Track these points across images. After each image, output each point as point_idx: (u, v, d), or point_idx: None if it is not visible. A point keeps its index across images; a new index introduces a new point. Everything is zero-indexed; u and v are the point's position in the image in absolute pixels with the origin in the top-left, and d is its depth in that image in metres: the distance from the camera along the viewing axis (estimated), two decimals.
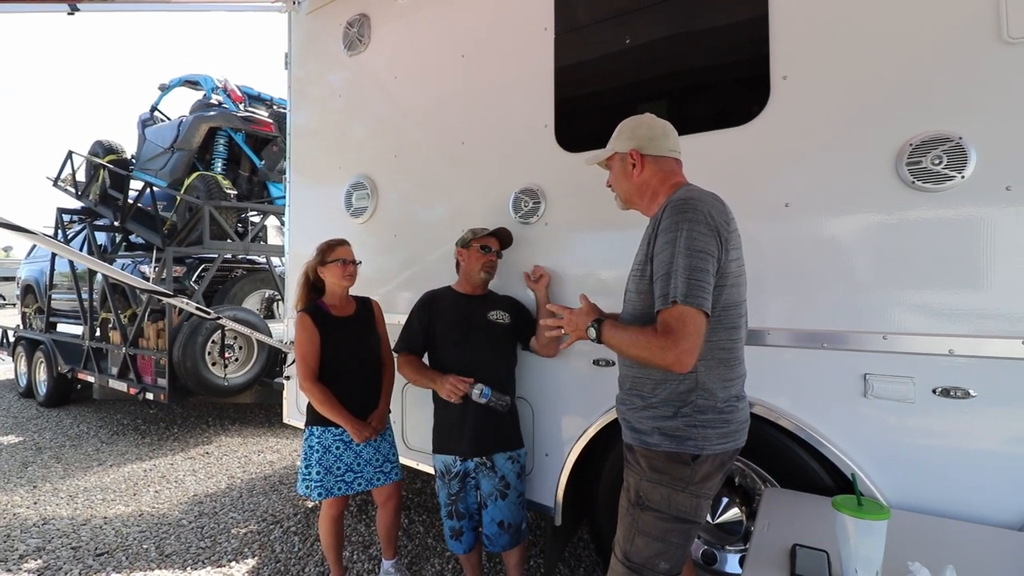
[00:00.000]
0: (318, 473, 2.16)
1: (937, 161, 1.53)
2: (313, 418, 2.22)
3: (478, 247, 2.16)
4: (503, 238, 2.23)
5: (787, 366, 1.74)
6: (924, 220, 1.55)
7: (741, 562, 2.04)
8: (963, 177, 1.50)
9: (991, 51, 1.48)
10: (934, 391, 1.53)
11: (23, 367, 6.77)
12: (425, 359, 2.24)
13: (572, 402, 2.20)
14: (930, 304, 1.55)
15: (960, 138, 1.50)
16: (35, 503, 3.49)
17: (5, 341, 7.45)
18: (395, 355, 2.28)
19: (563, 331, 1.51)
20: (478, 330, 2.13)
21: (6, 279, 22.02)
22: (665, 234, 1.26)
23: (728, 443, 1.31)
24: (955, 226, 1.52)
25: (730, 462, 1.35)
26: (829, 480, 1.69)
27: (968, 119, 1.50)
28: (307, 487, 2.20)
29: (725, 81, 1.93)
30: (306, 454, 2.22)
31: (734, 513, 2.01)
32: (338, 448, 2.19)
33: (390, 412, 2.37)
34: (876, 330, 1.61)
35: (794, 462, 1.76)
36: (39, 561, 2.75)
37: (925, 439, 1.55)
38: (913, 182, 1.55)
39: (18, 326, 7.41)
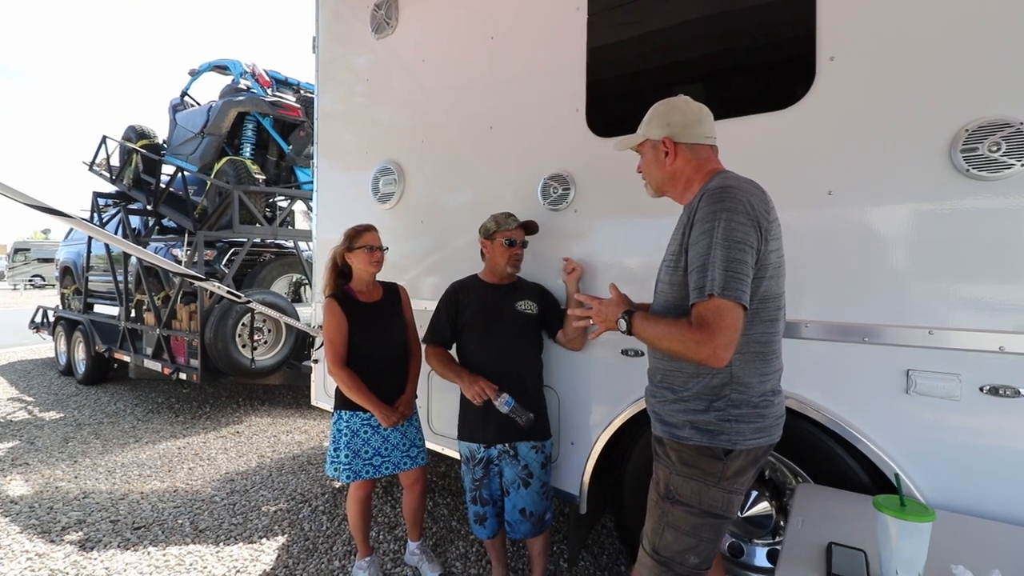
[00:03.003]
0: (346, 456, 2.19)
1: (995, 148, 1.44)
2: (342, 402, 2.25)
3: (503, 241, 2.13)
4: (529, 228, 2.19)
5: (825, 360, 1.69)
6: (978, 210, 1.48)
7: (768, 556, 2.01)
8: (1023, 166, 1.41)
9: None
10: (981, 389, 1.47)
11: (63, 346, 7.04)
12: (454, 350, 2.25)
13: (599, 391, 2.18)
14: (980, 299, 1.48)
15: (1021, 123, 1.41)
16: (76, 477, 3.64)
17: (45, 321, 7.75)
18: (423, 345, 2.29)
19: (591, 322, 1.48)
20: (505, 321, 2.12)
21: (46, 260, 22.88)
22: (702, 224, 1.22)
23: (762, 438, 1.28)
24: (1012, 217, 1.44)
25: (764, 457, 1.32)
26: (865, 477, 1.65)
27: None
28: (336, 469, 2.24)
29: (767, 62, 1.86)
30: (335, 437, 2.26)
31: (763, 507, 1.98)
32: (366, 432, 2.22)
33: (416, 397, 2.39)
34: (921, 324, 1.54)
35: (828, 457, 1.72)
36: (80, 533, 2.88)
37: (970, 438, 1.49)
38: (968, 170, 1.47)
39: (57, 306, 7.69)
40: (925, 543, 1.06)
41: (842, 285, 1.67)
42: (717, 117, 1.47)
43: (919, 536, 1.06)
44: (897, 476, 1.17)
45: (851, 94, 1.65)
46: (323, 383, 3.29)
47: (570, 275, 2.13)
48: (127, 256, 5.81)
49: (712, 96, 1.92)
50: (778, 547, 1.99)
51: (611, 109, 2.17)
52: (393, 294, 2.41)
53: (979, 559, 1.14)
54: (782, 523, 1.98)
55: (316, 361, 3.35)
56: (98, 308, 7.10)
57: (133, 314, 5.72)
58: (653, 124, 1.43)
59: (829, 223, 1.69)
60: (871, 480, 1.64)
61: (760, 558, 2.03)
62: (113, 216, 6.55)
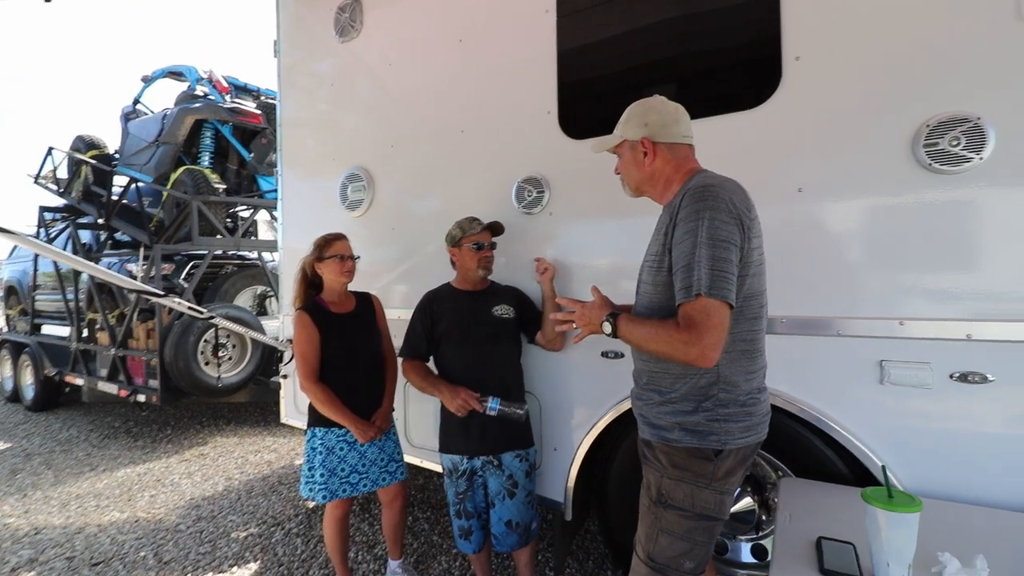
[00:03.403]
0: (322, 476, 2.10)
1: (955, 142, 1.49)
2: (315, 419, 2.16)
3: (470, 246, 2.10)
4: (495, 229, 2.16)
5: (801, 354, 1.71)
6: (941, 203, 1.52)
7: (753, 551, 2.03)
8: (981, 159, 1.47)
9: (1010, 29, 1.44)
10: (952, 376, 1.51)
11: (8, 371, 6.61)
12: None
13: (581, 395, 2.16)
14: (946, 288, 1.52)
15: (979, 119, 1.46)
16: (26, 512, 3.40)
17: None
18: (400, 360, 2.22)
19: (574, 326, 1.46)
20: (482, 327, 2.08)
21: None
22: (685, 223, 1.21)
23: (751, 436, 1.27)
24: (973, 209, 1.49)
25: (752, 456, 1.31)
26: (844, 468, 1.67)
27: (986, 99, 1.47)
28: (311, 490, 2.14)
29: (734, 63, 1.88)
30: (309, 456, 2.17)
31: (746, 503, 1.99)
32: (342, 449, 2.14)
33: (393, 410, 2.31)
34: (892, 316, 1.58)
35: (808, 450, 1.74)
36: (32, 573, 2.67)
37: (944, 425, 1.53)
38: (931, 164, 1.52)
39: (1, 328, 7.23)
40: (914, 533, 1.07)
41: (814, 280, 1.70)
42: (690, 116, 1.47)
43: (908, 527, 1.07)
44: (884, 468, 1.18)
45: (817, 92, 1.69)
46: (294, 399, 3.17)
47: (543, 275, 2.11)
48: (77, 273, 5.50)
49: (682, 96, 1.91)
50: (762, 542, 2.01)
51: (583, 111, 2.16)
52: (366, 304, 2.33)
53: (964, 545, 1.16)
54: (764, 518, 2.00)
55: (285, 376, 3.23)
56: (47, 329, 6.70)
57: (85, 334, 5.42)
58: (630, 125, 1.42)
59: (800, 219, 1.72)
60: (850, 471, 1.66)
61: (745, 554, 2.04)
62: (62, 231, 6.21)
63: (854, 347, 1.63)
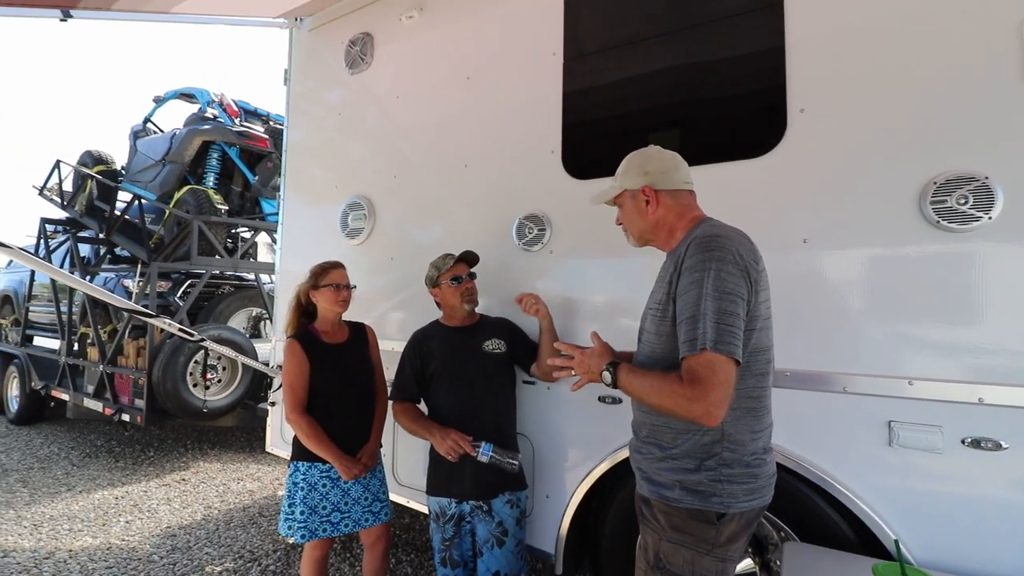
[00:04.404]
0: (302, 513, 2.01)
1: (963, 200, 1.47)
2: (299, 452, 2.08)
3: (448, 282, 2.06)
4: (469, 260, 2.12)
5: (805, 409, 1.65)
6: (950, 261, 1.49)
7: None
8: (990, 218, 1.44)
9: (1017, 89, 1.44)
10: (963, 441, 1.45)
11: None
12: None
13: (576, 441, 2.09)
14: (959, 349, 1.48)
15: (986, 178, 1.45)
16: None
17: None
18: (390, 402, 2.16)
19: (572, 372, 1.40)
20: (473, 364, 2.02)
21: None
22: (690, 273, 1.18)
23: (755, 499, 1.21)
24: (983, 268, 1.46)
25: (756, 520, 1.25)
26: (850, 533, 1.59)
27: (995, 158, 1.46)
28: (290, 527, 2.04)
29: (740, 112, 1.89)
30: (290, 491, 2.08)
31: (747, 564, 1.89)
32: (324, 486, 2.05)
33: (381, 446, 2.23)
34: (901, 375, 1.53)
35: (811, 511, 1.66)
36: None
37: (955, 492, 1.46)
38: (938, 221, 1.50)
39: None
40: None
41: (820, 333, 1.65)
42: (692, 163, 1.45)
43: None
44: (897, 543, 1.11)
45: (823, 144, 1.68)
46: (280, 428, 3.08)
47: (536, 313, 2.01)
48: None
49: (687, 143, 1.94)
50: None
51: (587, 153, 2.16)
52: (360, 335, 2.28)
53: None
54: None
55: (273, 404, 3.14)
56: (38, 341, 6.62)
57: (76, 348, 5.33)
58: (630, 174, 1.40)
59: (806, 271, 1.68)
60: (856, 536, 1.58)
61: None
62: (62, 243, 6.19)
63: (861, 405, 1.58)
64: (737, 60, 1.86)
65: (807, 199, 1.70)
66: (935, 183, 1.51)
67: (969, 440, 1.44)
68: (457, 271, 2.07)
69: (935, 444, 1.48)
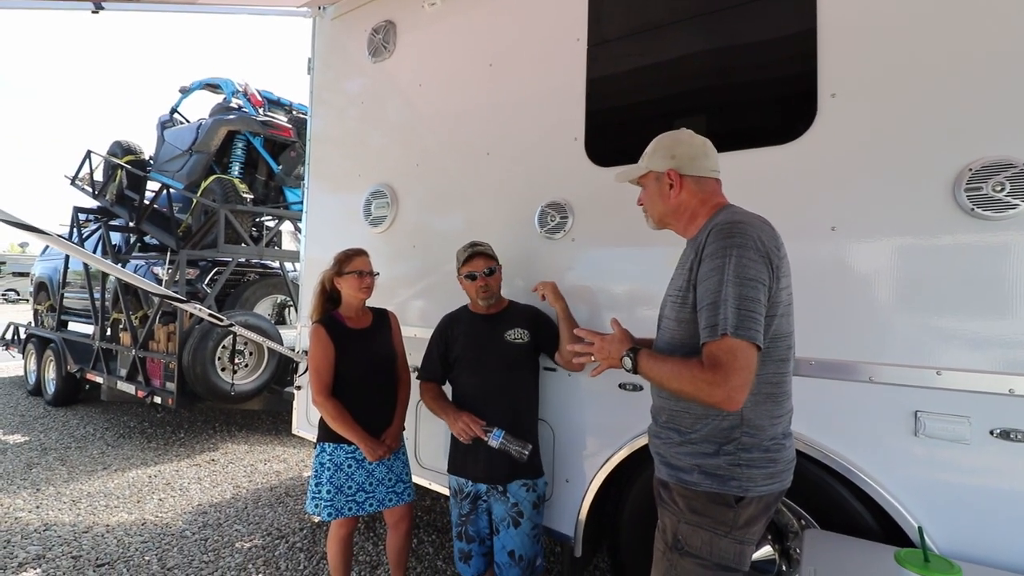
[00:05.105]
0: (328, 492, 2.08)
1: (999, 188, 1.43)
2: (325, 434, 2.14)
3: (463, 278, 2.09)
4: (486, 254, 2.09)
5: (830, 398, 1.64)
6: (984, 249, 1.46)
7: None
8: None
9: None
10: (992, 432, 1.43)
11: (32, 365, 6.76)
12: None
13: (596, 427, 2.10)
14: (989, 339, 1.45)
15: None
16: (37, 507, 3.43)
17: (16, 338, 7.46)
18: (418, 381, 2.21)
19: (592, 358, 1.42)
20: (494, 352, 2.04)
21: (21, 275, 22.28)
22: (711, 260, 1.18)
23: (774, 484, 1.21)
24: (1018, 258, 1.42)
25: (775, 504, 1.25)
26: (873, 522, 1.58)
27: None
28: (316, 506, 2.11)
29: (769, 97, 1.85)
30: (317, 471, 2.14)
31: (766, 551, 1.90)
32: (350, 467, 2.11)
33: (404, 429, 2.28)
34: (929, 365, 1.51)
35: (833, 500, 1.66)
36: (38, 570, 2.68)
37: (983, 483, 1.44)
38: (972, 209, 1.46)
39: (29, 323, 7.41)
40: None
41: (846, 322, 1.63)
42: (719, 149, 1.44)
43: None
44: (920, 530, 1.11)
45: (854, 130, 1.65)
46: (306, 411, 3.16)
47: (555, 302, 2.05)
48: (106, 273, 5.63)
49: (713, 129, 1.91)
50: None
51: (610, 139, 2.15)
52: (383, 320, 2.33)
53: None
54: (784, 568, 1.90)
55: (299, 388, 3.23)
56: (72, 326, 6.86)
57: (108, 333, 5.52)
58: (657, 156, 1.39)
59: (833, 259, 1.66)
60: (879, 526, 1.57)
61: None
62: (94, 232, 6.38)
63: (887, 395, 1.56)
64: (767, 44, 1.83)
65: (836, 186, 1.67)
66: (970, 169, 1.47)
67: (998, 431, 1.42)
68: (473, 267, 2.07)
69: (963, 435, 1.46)
